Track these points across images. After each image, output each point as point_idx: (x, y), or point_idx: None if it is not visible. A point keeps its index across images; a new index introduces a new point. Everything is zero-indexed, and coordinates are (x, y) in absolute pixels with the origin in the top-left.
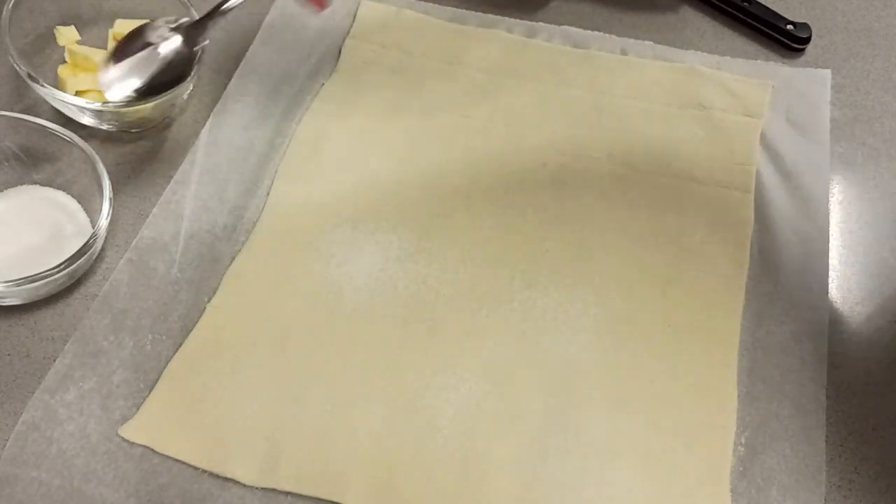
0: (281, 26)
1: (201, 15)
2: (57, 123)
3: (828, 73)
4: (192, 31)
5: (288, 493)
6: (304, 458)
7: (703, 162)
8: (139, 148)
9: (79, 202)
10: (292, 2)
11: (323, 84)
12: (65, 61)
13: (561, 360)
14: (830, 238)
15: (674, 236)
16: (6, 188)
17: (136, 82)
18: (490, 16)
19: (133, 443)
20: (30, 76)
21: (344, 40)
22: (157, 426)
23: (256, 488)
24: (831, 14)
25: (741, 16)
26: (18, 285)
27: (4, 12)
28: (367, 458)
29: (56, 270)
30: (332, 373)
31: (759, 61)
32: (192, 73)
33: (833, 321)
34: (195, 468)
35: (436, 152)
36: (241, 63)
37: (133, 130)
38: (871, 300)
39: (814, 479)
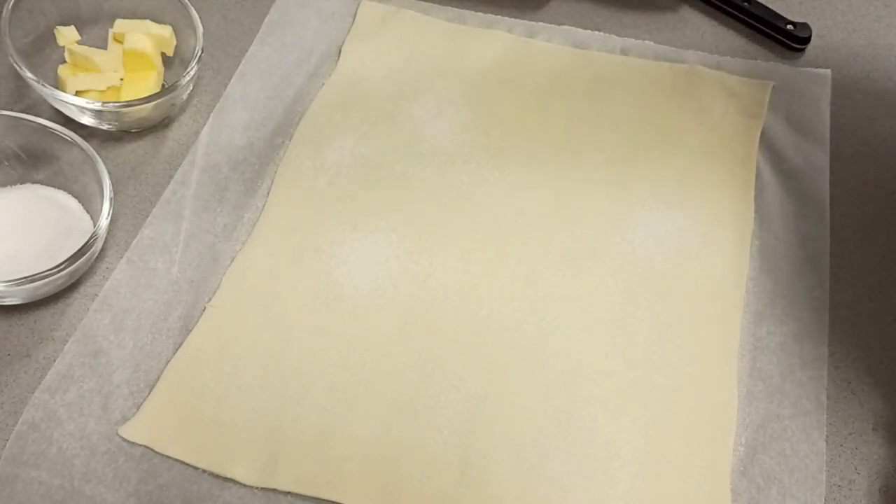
0: (281, 26)
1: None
2: (57, 123)
3: (828, 73)
4: None
5: (288, 493)
6: (304, 459)
7: (703, 162)
8: (139, 148)
9: (79, 202)
10: (292, 2)
11: (323, 84)
12: (65, 61)
13: (561, 360)
14: (830, 238)
15: (674, 237)
16: (6, 188)
17: None
18: (490, 16)
19: (133, 443)
20: (30, 76)
21: (344, 40)
22: (157, 426)
23: (256, 488)
24: (831, 14)
25: (741, 16)
26: (18, 285)
27: (4, 12)
28: (367, 459)
29: (56, 270)
30: (332, 373)
31: (759, 61)
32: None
33: (833, 321)
34: (195, 468)
35: (436, 153)
36: (241, 63)
37: (133, 130)
38: (871, 300)
39: (814, 479)
